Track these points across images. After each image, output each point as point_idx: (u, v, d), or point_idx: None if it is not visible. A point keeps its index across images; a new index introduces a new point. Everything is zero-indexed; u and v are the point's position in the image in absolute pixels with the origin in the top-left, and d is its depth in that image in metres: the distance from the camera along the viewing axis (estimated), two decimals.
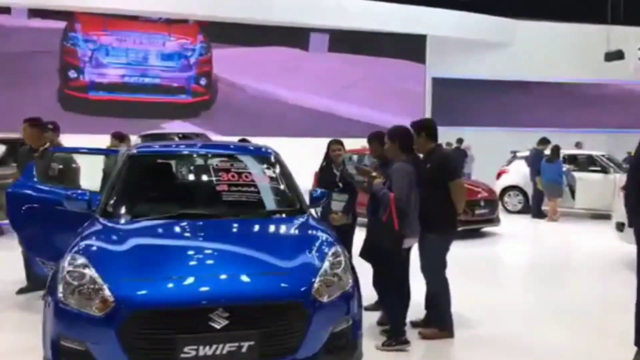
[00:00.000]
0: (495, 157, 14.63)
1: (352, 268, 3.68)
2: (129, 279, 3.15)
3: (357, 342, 3.50)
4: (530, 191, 12.43)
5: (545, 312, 5.63)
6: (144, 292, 3.07)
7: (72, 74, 16.86)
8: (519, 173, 12.84)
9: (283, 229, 4.04)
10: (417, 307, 4.88)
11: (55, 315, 3.13)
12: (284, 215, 4.26)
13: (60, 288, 3.18)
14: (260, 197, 4.38)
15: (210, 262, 3.41)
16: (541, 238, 10.52)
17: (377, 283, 4.57)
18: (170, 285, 3.14)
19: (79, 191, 4.35)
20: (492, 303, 5.87)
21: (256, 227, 4.00)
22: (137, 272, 3.22)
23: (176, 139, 12.44)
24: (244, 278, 3.24)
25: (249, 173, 4.43)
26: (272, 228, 4.04)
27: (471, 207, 9.53)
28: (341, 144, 5.84)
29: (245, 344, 3.04)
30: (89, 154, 5.93)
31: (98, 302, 3.04)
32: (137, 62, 17.39)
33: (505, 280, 7.02)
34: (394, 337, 4.52)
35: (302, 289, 3.24)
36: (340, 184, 5.71)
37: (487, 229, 10.10)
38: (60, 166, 6.14)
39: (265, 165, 4.66)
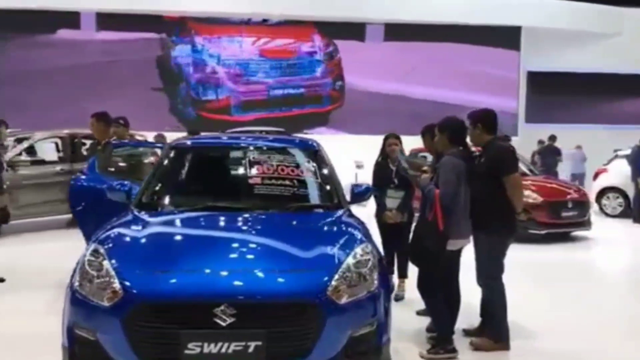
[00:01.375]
0: (597, 156, 13.53)
1: (384, 267, 3.41)
2: (140, 271, 3.09)
3: (381, 348, 3.22)
4: (631, 193, 11.37)
5: (620, 327, 5.03)
6: (150, 284, 3.00)
7: (210, 94, 15.83)
8: (619, 173, 11.79)
9: (311, 224, 3.83)
10: (473, 311, 4.51)
11: (71, 303, 3.14)
12: (318, 210, 4.08)
13: (77, 277, 3.19)
14: (295, 191, 4.20)
15: (224, 256, 3.28)
16: (638, 245, 9.51)
17: (420, 286, 4.24)
18: (176, 279, 3.05)
19: (124, 182, 4.40)
20: (561, 314, 5.32)
21: (283, 222, 3.83)
22: (150, 264, 3.16)
23: None
24: (254, 274, 3.08)
25: (286, 166, 4.28)
26: (299, 223, 3.84)
27: (557, 209, 8.91)
28: (398, 138, 5.54)
29: (252, 344, 2.88)
30: (148, 148, 6.05)
31: (109, 292, 3.01)
32: (276, 75, 16.18)
33: (583, 290, 6.28)
34: (440, 345, 4.18)
35: (317, 288, 3.02)
36: (396, 180, 5.43)
37: (577, 233, 9.29)
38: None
39: (306, 159, 4.48)
